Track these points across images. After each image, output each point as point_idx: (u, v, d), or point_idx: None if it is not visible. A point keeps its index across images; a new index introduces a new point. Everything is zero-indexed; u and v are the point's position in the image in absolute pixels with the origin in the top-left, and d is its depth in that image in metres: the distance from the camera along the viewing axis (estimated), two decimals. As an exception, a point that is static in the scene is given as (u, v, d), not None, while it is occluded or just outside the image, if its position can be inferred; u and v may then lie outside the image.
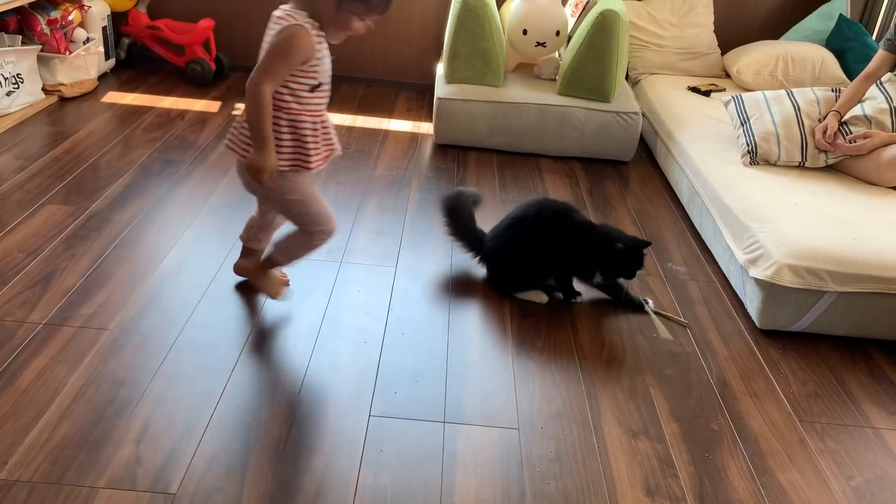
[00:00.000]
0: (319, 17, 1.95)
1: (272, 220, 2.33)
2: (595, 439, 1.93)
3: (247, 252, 2.38)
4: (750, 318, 2.51)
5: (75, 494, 1.60)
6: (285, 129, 2.01)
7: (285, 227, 2.32)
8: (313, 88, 2.01)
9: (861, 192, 2.83)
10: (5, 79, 3.36)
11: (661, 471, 1.85)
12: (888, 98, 2.96)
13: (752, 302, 2.48)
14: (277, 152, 2.00)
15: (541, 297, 2.50)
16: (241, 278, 2.41)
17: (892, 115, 2.93)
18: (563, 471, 1.82)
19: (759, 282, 2.42)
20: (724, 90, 3.89)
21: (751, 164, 3.00)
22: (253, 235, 2.35)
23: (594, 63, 3.54)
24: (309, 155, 2.04)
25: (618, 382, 2.15)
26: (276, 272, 2.38)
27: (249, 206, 2.86)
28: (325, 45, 2.00)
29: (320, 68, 1.99)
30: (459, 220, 2.60)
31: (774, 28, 4.39)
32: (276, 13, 1.99)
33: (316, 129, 2.05)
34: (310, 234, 2.18)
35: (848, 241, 2.41)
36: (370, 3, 1.93)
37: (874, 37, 4.16)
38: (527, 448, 1.88)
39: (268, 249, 2.34)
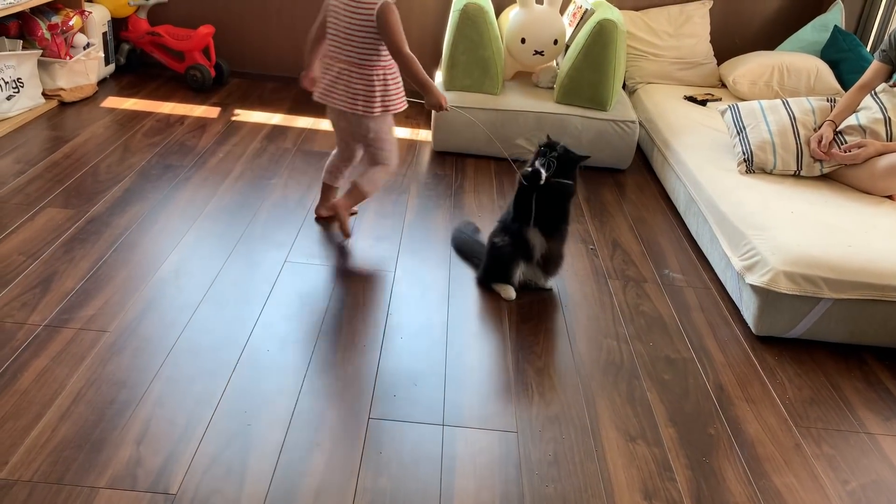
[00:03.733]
0: None
1: (352, 158, 2.83)
2: (593, 443, 1.94)
3: (326, 191, 2.88)
4: (746, 324, 2.53)
5: (76, 494, 1.60)
6: (380, 82, 2.57)
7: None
8: None
9: (856, 200, 2.86)
10: (6, 83, 3.37)
11: (659, 474, 1.86)
12: (882, 108, 2.99)
13: (749, 308, 2.50)
14: (378, 99, 2.58)
15: (508, 293, 2.53)
16: (235, 280, 2.42)
17: (886, 125, 2.96)
18: (561, 474, 1.83)
19: (755, 288, 2.44)
20: (721, 100, 3.93)
21: (747, 172, 3.03)
22: (337, 173, 2.87)
23: (591, 72, 3.56)
24: (398, 99, 2.65)
25: (615, 387, 2.16)
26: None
27: (249, 211, 2.88)
28: None
29: None
30: (471, 252, 2.73)
31: (770, 39, 4.43)
32: None
33: (397, 79, 2.63)
34: (386, 166, 2.75)
35: (843, 248, 2.43)
36: None
37: (868, 48, 4.20)
38: (525, 451, 1.89)
39: (346, 187, 2.81)
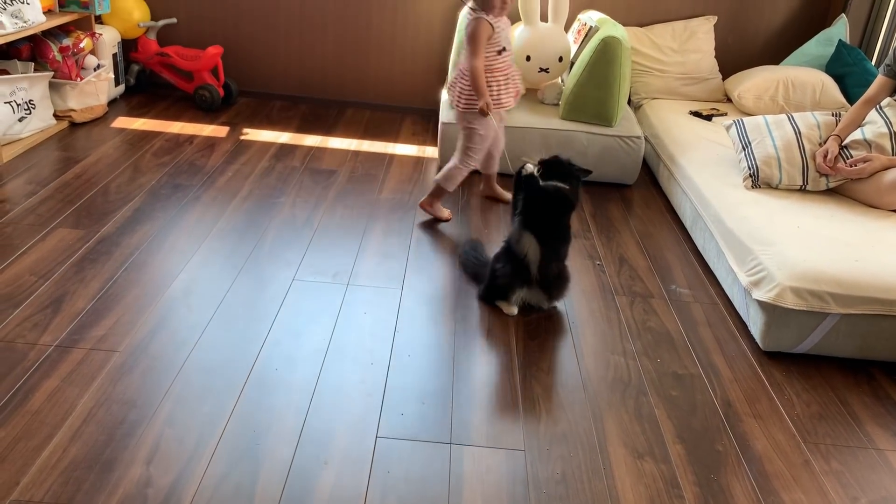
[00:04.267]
0: (484, 7, 2.87)
1: (496, 148, 3.27)
2: (601, 460, 1.94)
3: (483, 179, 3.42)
4: (753, 339, 2.53)
5: (86, 515, 1.62)
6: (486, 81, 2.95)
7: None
8: (500, 52, 2.95)
9: (862, 214, 2.86)
10: (18, 105, 3.42)
11: (667, 492, 1.86)
12: (888, 122, 2.99)
13: (756, 324, 2.50)
14: (473, 98, 2.98)
15: (510, 309, 2.54)
16: (244, 299, 2.44)
17: (891, 139, 2.96)
18: (569, 492, 1.83)
19: (762, 304, 2.44)
20: (726, 114, 3.94)
21: (752, 187, 3.03)
22: (485, 164, 3.30)
23: (597, 88, 3.58)
24: (500, 98, 3.02)
25: (623, 403, 2.17)
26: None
27: (257, 231, 2.90)
28: (501, 22, 2.93)
29: (498, 38, 2.92)
30: (478, 272, 2.72)
31: (775, 53, 4.45)
32: (464, 10, 3.33)
33: (507, 80, 3.03)
34: (465, 162, 3.12)
35: (850, 263, 2.44)
36: None
37: (873, 62, 4.21)
38: (533, 469, 1.89)
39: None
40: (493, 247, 2.72)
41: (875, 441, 2.12)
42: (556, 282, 2.54)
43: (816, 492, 1.91)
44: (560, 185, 2.44)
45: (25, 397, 1.94)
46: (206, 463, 1.79)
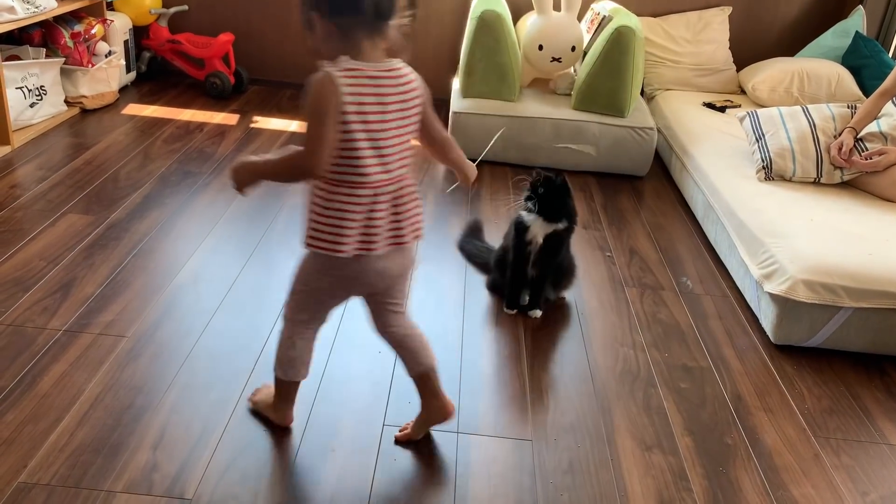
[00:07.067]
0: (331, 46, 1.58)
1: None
2: (609, 452, 1.93)
3: (294, 393, 1.89)
4: (765, 333, 2.50)
5: (93, 498, 1.62)
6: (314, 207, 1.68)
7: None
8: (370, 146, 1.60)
9: (877, 208, 2.83)
10: (29, 90, 3.42)
11: (675, 484, 1.85)
12: (904, 115, 2.96)
13: (767, 317, 2.48)
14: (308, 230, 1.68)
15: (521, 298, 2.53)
16: (253, 286, 2.43)
17: (908, 132, 2.93)
18: (576, 483, 1.82)
19: (773, 297, 2.41)
20: (740, 106, 3.90)
21: (766, 179, 3.00)
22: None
23: (609, 78, 3.56)
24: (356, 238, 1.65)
25: (631, 396, 2.15)
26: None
27: (266, 218, 2.90)
28: (383, 77, 1.58)
29: (364, 113, 1.56)
30: (478, 255, 2.72)
31: (790, 45, 4.40)
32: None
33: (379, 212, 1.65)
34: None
35: (864, 256, 2.41)
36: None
37: (890, 54, 4.16)
38: (540, 459, 1.88)
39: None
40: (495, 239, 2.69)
41: (886, 436, 2.10)
42: (561, 273, 2.53)
43: (826, 486, 1.89)
44: (558, 225, 2.38)
45: (34, 381, 1.94)
46: (212, 449, 1.79)
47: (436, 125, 1.74)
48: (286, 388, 1.84)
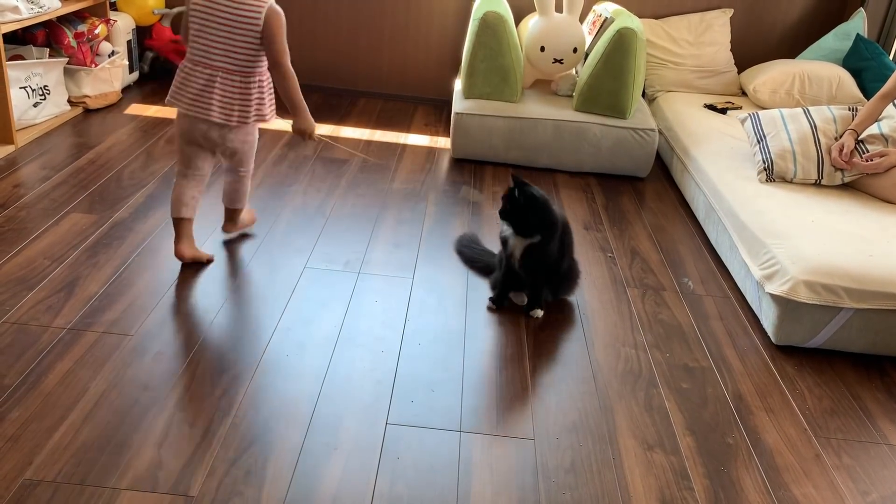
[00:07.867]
0: None
1: (205, 178, 2.55)
2: (610, 451, 1.94)
3: (186, 228, 2.52)
4: (766, 333, 2.51)
5: (98, 495, 1.63)
6: (257, 90, 2.41)
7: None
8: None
9: (877, 209, 2.84)
10: (33, 90, 3.43)
11: (677, 483, 1.86)
12: (905, 117, 2.97)
13: (768, 318, 2.49)
14: (254, 108, 2.41)
15: (521, 298, 2.55)
16: (255, 286, 2.44)
17: (909, 134, 2.94)
18: (578, 482, 1.83)
19: (774, 297, 2.42)
20: (741, 108, 3.91)
21: (767, 180, 3.01)
22: (193, 203, 2.52)
23: (611, 80, 3.57)
24: (271, 110, 2.50)
25: (633, 395, 2.16)
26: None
27: (269, 217, 2.91)
28: None
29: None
30: (478, 261, 2.73)
31: (791, 47, 4.41)
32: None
33: (272, 88, 2.48)
34: (248, 175, 2.63)
35: (864, 257, 2.42)
36: None
37: (891, 56, 4.17)
38: (542, 458, 1.89)
39: (227, 206, 2.69)
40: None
41: (887, 436, 2.11)
42: (560, 279, 2.53)
43: (827, 486, 1.90)
44: (533, 240, 2.37)
45: (38, 379, 1.95)
46: (216, 447, 1.80)
47: (270, 51, 2.36)
48: (174, 224, 2.50)
